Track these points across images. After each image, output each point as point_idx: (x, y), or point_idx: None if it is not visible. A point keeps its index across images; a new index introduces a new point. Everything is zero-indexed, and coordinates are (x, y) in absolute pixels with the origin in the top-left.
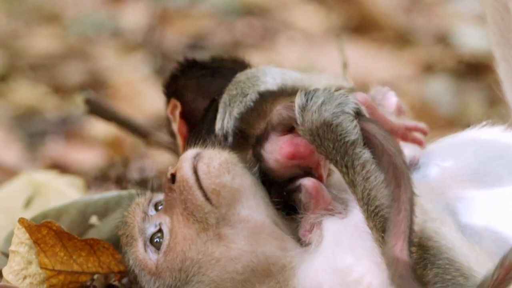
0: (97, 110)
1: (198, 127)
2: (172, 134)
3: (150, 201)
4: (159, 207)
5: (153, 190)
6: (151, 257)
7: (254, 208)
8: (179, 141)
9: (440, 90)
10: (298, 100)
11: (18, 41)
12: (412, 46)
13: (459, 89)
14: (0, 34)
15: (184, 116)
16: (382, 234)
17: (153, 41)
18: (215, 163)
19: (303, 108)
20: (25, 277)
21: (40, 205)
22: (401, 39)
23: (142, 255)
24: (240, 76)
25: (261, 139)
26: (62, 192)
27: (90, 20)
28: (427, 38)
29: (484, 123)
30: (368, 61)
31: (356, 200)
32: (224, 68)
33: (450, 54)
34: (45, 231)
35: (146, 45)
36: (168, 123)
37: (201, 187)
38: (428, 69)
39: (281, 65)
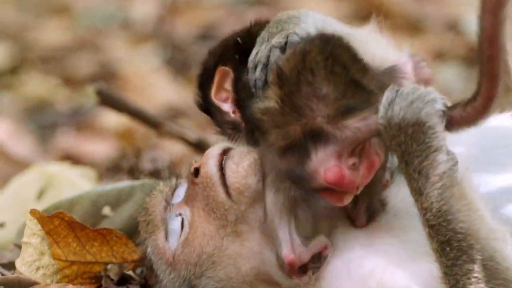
0: (108, 101)
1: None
2: (219, 123)
3: (174, 189)
4: (181, 196)
5: (177, 178)
6: (170, 246)
7: (271, 210)
8: (235, 115)
9: (451, 78)
10: (388, 94)
11: (28, 33)
12: (422, 34)
13: (470, 77)
14: (10, 27)
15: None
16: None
17: (163, 32)
18: (245, 163)
19: (391, 102)
20: (38, 268)
21: (52, 197)
22: (411, 27)
23: (163, 244)
24: (282, 15)
25: (305, 145)
26: (74, 183)
27: (100, 12)
28: (438, 26)
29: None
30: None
31: (418, 209)
32: None
33: (461, 42)
34: (57, 222)
35: (156, 36)
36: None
37: (224, 183)
38: (439, 56)
39: None
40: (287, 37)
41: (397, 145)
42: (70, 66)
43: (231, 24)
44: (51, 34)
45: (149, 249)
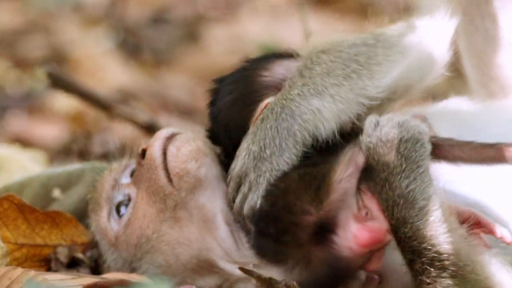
0: (60, 83)
1: None
2: None
3: (125, 168)
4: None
5: (129, 157)
6: (113, 226)
7: (211, 199)
8: None
9: None
10: (370, 119)
11: None
12: (374, 16)
13: None
14: None
15: None
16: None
17: (115, 15)
18: (185, 149)
19: (377, 124)
20: None
21: (2, 179)
22: (363, 10)
23: (104, 224)
24: (263, 132)
25: (325, 226)
26: (25, 166)
27: None
28: (390, 9)
29: (449, 95)
30: (331, 32)
31: (400, 238)
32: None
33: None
34: (7, 205)
35: (108, 19)
36: None
37: (166, 168)
38: None
39: (244, 38)
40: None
41: (384, 165)
42: (21, 48)
43: (183, 7)
44: (2, 16)
45: (93, 228)
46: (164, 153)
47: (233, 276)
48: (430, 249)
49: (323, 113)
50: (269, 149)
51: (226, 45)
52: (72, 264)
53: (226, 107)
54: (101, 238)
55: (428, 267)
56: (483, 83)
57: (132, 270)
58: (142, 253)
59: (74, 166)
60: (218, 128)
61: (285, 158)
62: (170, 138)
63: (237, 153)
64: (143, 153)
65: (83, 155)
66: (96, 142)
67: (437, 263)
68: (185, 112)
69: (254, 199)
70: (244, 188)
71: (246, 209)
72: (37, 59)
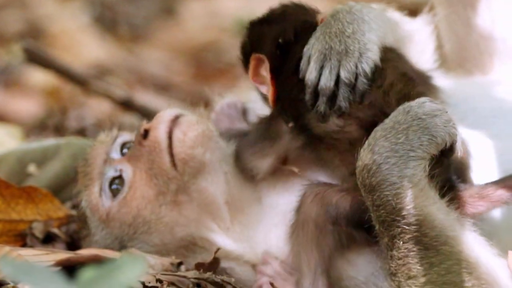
0: (36, 58)
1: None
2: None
3: (115, 140)
4: (124, 150)
5: (119, 129)
6: (104, 203)
7: (212, 183)
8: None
9: None
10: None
11: None
12: None
13: None
14: None
15: (273, 72)
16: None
17: None
18: (192, 134)
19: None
20: None
21: None
22: None
23: (96, 200)
24: (342, 18)
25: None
26: (0, 141)
27: None
28: None
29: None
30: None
31: (368, 205)
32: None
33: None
34: None
35: None
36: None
37: (171, 153)
38: None
39: (220, 13)
40: (356, 75)
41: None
42: None
43: None
44: None
45: (83, 202)
46: (169, 137)
47: (229, 252)
48: (398, 220)
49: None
50: (350, 29)
51: (202, 20)
52: (48, 239)
53: (292, 7)
54: (91, 213)
55: (397, 241)
56: (461, 64)
57: (122, 247)
58: (137, 233)
59: (49, 141)
60: (282, 21)
61: (371, 36)
62: (174, 120)
63: (308, 45)
64: (145, 133)
65: (59, 130)
66: (72, 118)
67: (407, 235)
68: (161, 87)
69: (353, 65)
70: (333, 61)
71: (344, 75)
72: (13, 34)
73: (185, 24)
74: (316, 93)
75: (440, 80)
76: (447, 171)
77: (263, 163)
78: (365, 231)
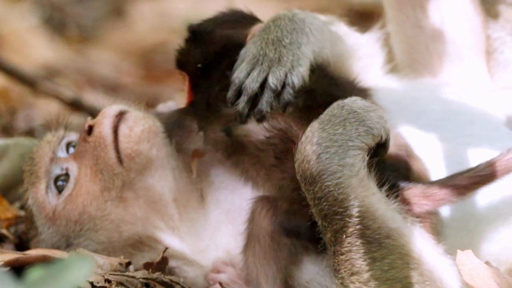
0: None
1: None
2: None
3: (61, 140)
4: (70, 150)
5: (65, 129)
6: (50, 201)
7: (160, 180)
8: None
9: None
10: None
11: None
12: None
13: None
14: None
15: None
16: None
17: None
18: (138, 129)
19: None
20: None
21: None
22: None
23: (42, 197)
24: (282, 26)
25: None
26: None
27: None
28: None
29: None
30: (257, 10)
31: (309, 199)
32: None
33: (339, 2)
34: None
35: None
36: None
37: (117, 148)
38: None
39: (170, 14)
40: (284, 82)
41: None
42: None
43: None
44: None
45: (29, 201)
46: (115, 132)
47: (177, 252)
48: (340, 213)
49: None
50: (288, 39)
51: (152, 21)
52: None
53: (221, 22)
54: (37, 211)
55: (340, 236)
56: (411, 66)
57: (69, 244)
58: (83, 229)
59: None
60: (211, 39)
61: (306, 51)
62: (119, 116)
63: (245, 48)
64: (90, 130)
65: (7, 131)
66: (20, 118)
67: (350, 229)
68: (110, 88)
69: (283, 73)
70: (264, 65)
71: (271, 81)
72: None
73: (134, 25)
74: (239, 92)
75: (390, 82)
76: (385, 168)
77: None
78: (318, 241)
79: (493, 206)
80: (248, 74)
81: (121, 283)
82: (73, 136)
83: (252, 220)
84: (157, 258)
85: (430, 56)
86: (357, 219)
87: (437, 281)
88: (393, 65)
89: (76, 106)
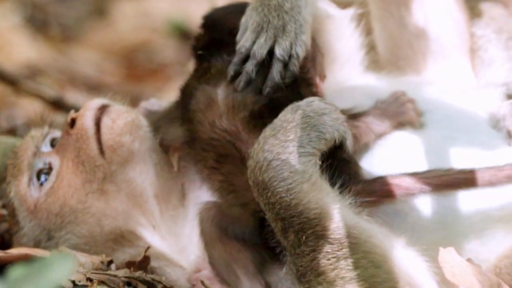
0: None
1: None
2: None
3: (45, 136)
4: (54, 145)
5: (50, 126)
6: (32, 193)
7: (141, 173)
8: None
9: None
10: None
11: None
12: None
13: None
14: None
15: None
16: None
17: None
18: (121, 121)
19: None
20: None
21: None
22: None
23: (24, 190)
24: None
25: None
26: None
27: None
28: None
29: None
30: None
31: (264, 205)
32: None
33: None
34: None
35: None
36: None
37: (99, 140)
38: None
39: (152, 13)
40: (291, 50)
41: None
42: None
43: None
44: None
45: (11, 194)
46: (97, 124)
47: (157, 250)
48: (297, 216)
49: None
50: (288, 3)
51: (134, 21)
52: None
53: (229, 12)
54: (19, 204)
55: (301, 236)
56: (395, 64)
57: (50, 238)
58: (64, 222)
59: None
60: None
61: (306, 16)
62: (102, 109)
63: (245, 16)
64: (72, 122)
65: None
66: (2, 117)
67: (310, 230)
68: (92, 88)
69: (288, 44)
70: (269, 33)
71: (279, 52)
72: None
73: (117, 25)
74: (244, 60)
75: (373, 80)
76: (343, 167)
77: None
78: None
79: (474, 204)
80: (254, 42)
81: (103, 282)
82: (57, 133)
83: (203, 233)
84: (138, 256)
85: (414, 53)
86: (315, 220)
87: (406, 276)
88: (376, 63)
89: (58, 105)
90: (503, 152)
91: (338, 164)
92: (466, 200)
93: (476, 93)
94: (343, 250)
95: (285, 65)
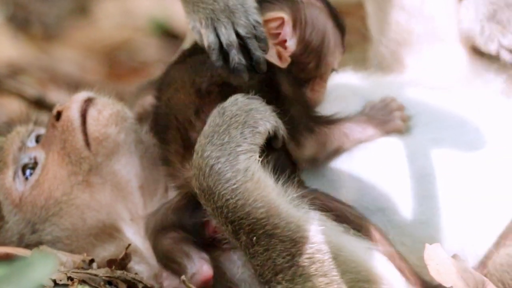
0: None
1: None
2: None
3: (31, 132)
4: (39, 141)
5: (35, 123)
6: (17, 187)
7: (126, 165)
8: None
9: None
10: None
11: None
12: None
13: None
14: None
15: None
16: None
17: None
18: (106, 113)
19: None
20: None
21: None
22: None
23: (9, 184)
24: None
25: None
26: None
27: None
28: None
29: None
30: None
31: (210, 210)
32: None
33: None
34: None
35: None
36: None
37: (85, 131)
38: None
39: (134, 12)
40: (249, 21)
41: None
42: None
43: None
44: None
45: None
46: (83, 116)
47: (136, 248)
48: (245, 218)
49: None
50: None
51: (116, 19)
52: None
53: None
54: (4, 198)
55: (253, 237)
56: (387, 45)
57: (35, 231)
58: (49, 215)
59: None
60: None
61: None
62: (87, 101)
63: (191, 21)
64: (58, 115)
65: None
66: None
67: (260, 230)
68: (74, 86)
69: (244, 18)
70: (222, 19)
71: (242, 31)
72: None
73: (99, 23)
74: (222, 53)
75: (359, 79)
76: (284, 159)
77: None
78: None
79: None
80: (217, 35)
81: (83, 281)
82: (42, 130)
83: (146, 234)
84: (119, 253)
85: (408, 34)
86: (263, 220)
87: (362, 264)
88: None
89: (40, 104)
90: (490, 151)
91: (279, 156)
92: (451, 196)
93: (463, 91)
94: (295, 247)
95: (255, 36)
